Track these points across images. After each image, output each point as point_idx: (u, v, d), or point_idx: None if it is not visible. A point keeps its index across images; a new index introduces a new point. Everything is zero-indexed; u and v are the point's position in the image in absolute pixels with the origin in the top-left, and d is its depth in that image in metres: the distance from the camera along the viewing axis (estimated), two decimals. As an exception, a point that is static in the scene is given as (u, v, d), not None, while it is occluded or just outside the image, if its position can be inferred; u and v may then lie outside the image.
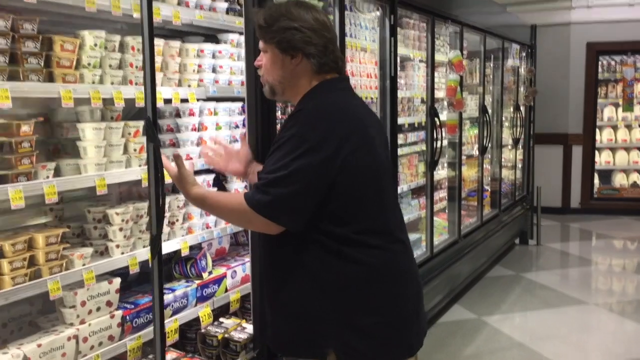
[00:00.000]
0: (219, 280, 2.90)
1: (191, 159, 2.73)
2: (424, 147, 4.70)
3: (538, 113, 7.92)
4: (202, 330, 2.87)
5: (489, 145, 6.02)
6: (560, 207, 8.92)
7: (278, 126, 2.74)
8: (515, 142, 7.10)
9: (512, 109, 7.07)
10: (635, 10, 8.46)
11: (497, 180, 6.54)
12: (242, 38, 2.86)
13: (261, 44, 1.98)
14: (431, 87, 4.64)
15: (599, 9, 8.58)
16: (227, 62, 2.96)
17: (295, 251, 1.88)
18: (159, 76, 2.59)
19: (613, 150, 9.13)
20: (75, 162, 2.34)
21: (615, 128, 9.10)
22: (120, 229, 2.45)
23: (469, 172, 5.83)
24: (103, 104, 2.32)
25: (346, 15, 3.42)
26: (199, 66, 2.84)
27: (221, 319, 2.99)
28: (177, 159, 1.99)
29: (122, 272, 2.51)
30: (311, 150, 1.77)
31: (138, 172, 2.46)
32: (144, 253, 2.48)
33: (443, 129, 4.77)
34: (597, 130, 8.99)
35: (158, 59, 2.59)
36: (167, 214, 2.64)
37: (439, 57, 4.81)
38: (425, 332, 2.06)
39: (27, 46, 2.10)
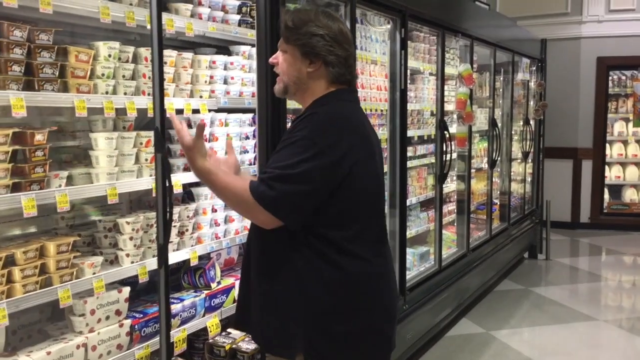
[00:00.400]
0: (227, 291, 2.91)
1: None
2: (433, 160, 4.69)
3: (548, 127, 7.91)
4: (210, 341, 2.87)
5: (499, 158, 6.01)
6: (570, 221, 8.87)
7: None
8: (525, 155, 7.08)
9: (521, 123, 7.06)
10: (646, 25, 8.46)
11: (506, 194, 6.52)
12: (254, 50, 2.88)
13: (281, 43, 2.00)
14: (441, 100, 4.64)
15: (610, 23, 8.57)
16: (238, 74, 2.99)
17: (285, 248, 1.91)
18: (171, 87, 2.61)
19: (623, 165, 9.09)
20: (87, 171, 2.36)
21: (625, 143, 9.06)
22: (131, 238, 2.46)
23: (478, 185, 5.82)
24: (116, 114, 2.34)
25: (357, 28, 3.44)
26: (211, 77, 2.86)
27: (229, 330, 2.99)
28: (200, 128, 1.93)
29: (132, 281, 2.52)
30: (320, 153, 1.81)
31: (149, 181, 2.48)
32: (153, 262, 2.50)
33: (452, 142, 4.77)
34: (608, 145, 8.96)
35: (171, 70, 2.62)
36: (177, 224, 2.65)
37: (449, 70, 4.82)
38: (394, 347, 2.06)
39: (43, 56, 2.13)
